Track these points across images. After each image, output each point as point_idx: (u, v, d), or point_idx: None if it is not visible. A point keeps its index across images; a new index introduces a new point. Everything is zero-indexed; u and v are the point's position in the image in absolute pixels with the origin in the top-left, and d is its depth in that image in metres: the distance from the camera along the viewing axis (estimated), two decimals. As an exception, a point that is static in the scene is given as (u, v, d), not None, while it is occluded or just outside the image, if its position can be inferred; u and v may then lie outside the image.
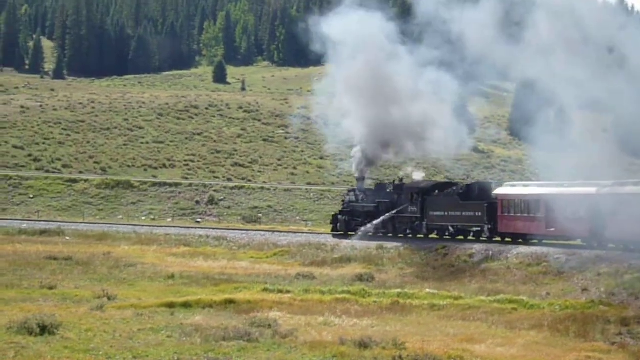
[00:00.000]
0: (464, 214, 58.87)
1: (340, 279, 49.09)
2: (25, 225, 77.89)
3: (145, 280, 46.16)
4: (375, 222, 65.10)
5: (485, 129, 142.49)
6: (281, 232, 73.86)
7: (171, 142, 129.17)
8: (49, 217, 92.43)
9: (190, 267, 54.27)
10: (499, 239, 56.59)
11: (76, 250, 60.98)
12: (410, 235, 63.10)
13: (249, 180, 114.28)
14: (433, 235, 61.92)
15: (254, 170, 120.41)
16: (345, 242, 63.44)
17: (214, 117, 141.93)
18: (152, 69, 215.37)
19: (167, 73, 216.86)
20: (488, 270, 50.79)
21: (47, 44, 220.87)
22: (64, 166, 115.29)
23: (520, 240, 55.03)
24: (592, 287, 43.51)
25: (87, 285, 43.35)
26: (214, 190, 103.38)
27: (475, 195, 59.31)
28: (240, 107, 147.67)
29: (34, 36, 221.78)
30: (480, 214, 57.49)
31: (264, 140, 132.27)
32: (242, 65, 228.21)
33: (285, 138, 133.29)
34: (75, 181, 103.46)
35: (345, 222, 67.74)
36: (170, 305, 37.42)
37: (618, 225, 46.98)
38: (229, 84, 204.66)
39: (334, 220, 69.84)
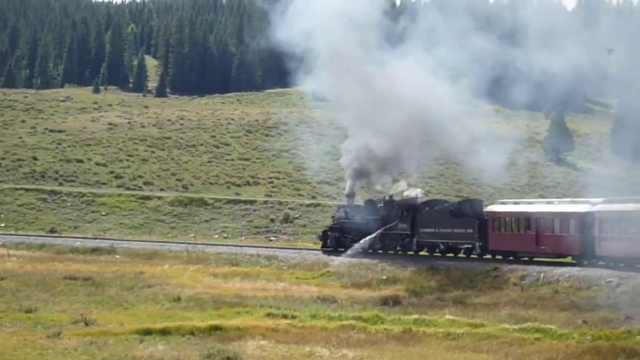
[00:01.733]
0: (454, 230, 58.38)
1: (365, 302, 44.76)
2: (78, 243, 75.62)
3: (147, 303, 42.60)
4: (367, 238, 63.33)
5: (585, 145, 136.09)
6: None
7: (257, 159, 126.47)
8: (119, 234, 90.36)
9: (217, 288, 50.63)
10: (489, 256, 56.34)
11: (110, 269, 58.14)
12: (400, 252, 62.48)
13: (334, 198, 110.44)
14: (423, 252, 61.28)
15: (339, 187, 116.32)
16: (383, 265, 59.08)
17: (303, 134, 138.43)
18: (255, 87, 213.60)
19: (269, 90, 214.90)
20: (533, 294, 46.09)
21: (151, 63, 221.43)
22: (145, 183, 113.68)
23: (511, 258, 54.79)
24: (638, 315, 38.30)
25: (77, 308, 39.94)
26: (290, 208, 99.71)
27: (466, 213, 58.85)
28: (332, 124, 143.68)
29: (138, 55, 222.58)
30: (471, 231, 57.10)
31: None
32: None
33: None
34: (148, 198, 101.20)
35: (336, 239, 66.84)
36: (146, 332, 33.73)
37: (609, 242, 47.06)
38: (330, 101, 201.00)
39: (324, 236, 68.71)
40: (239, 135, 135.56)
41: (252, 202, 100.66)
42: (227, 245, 74.56)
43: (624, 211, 46.87)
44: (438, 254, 59.47)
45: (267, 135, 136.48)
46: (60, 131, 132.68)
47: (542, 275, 48.92)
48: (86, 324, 35.10)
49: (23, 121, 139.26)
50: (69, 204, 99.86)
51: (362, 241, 63.61)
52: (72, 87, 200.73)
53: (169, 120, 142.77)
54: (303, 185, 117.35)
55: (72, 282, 49.25)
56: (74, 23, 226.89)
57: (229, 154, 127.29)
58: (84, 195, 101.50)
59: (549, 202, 55.80)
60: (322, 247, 68.41)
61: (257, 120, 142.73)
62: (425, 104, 63.94)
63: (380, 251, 63.66)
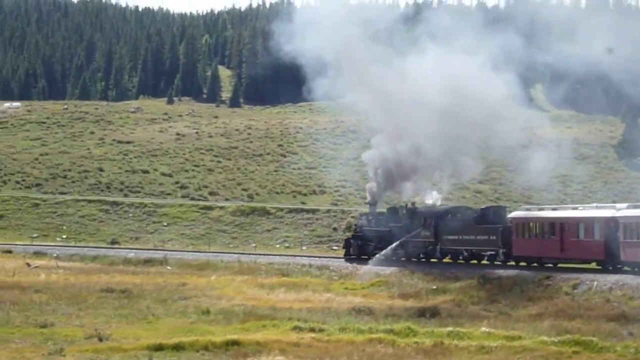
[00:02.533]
0: (478, 237, 58.66)
1: (403, 314, 42.65)
2: (132, 254, 74.78)
3: (175, 316, 41.04)
4: (390, 247, 63.40)
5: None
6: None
7: (324, 167, 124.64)
8: (180, 245, 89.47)
9: (257, 299, 49.19)
10: (513, 262, 56.34)
11: (154, 280, 57.10)
12: (423, 260, 62.65)
13: (401, 206, 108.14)
14: (447, 260, 61.34)
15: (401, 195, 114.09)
16: (435, 275, 56.96)
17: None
18: (328, 96, 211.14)
19: (342, 99, 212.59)
20: (583, 303, 43.64)
21: (225, 73, 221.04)
22: (211, 193, 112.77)
23: (535, 264, 54.82)
24: (690, 327, 35.72)
25: (98, 322, 38.55)
26: (353, 217, 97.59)
27: (490, 219, 59.19)
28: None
29: (212, 65, 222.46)
30: (494, 237, 57.27)
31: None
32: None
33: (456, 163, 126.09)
34: (210, 208, 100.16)
35: (358, 247, 67.15)
36: (158, 348, 32.13)
37: (635, 247, 46.70)
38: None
39: (347, 244, 69.07)
40: (306, 144, 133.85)
41: (315, 211, 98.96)
42: (281, 255, 72.91)
43: None
44: (461, 261, 59.88)
45: (335, 143, 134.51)
46: (128, 142, 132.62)
47: (595, 283, 46.42)
48: (100, 340, 33.70)
49: (92, 132, 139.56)
50: (130, 214, 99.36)
51: (386, 249, 63.20)
52: (146, 99, 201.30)
53: (236, 130, 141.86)
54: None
55: (107, 294, 48.11)
56: (149, 35, 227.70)
57: (296, 163, 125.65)
58: (145, 205, 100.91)
59: (574, 208, 56.13)
60: (345, 254, 68.64)
61: (325, 129, 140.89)
62: (460, 103, 61.98)
63: (403, 259, 63.45)
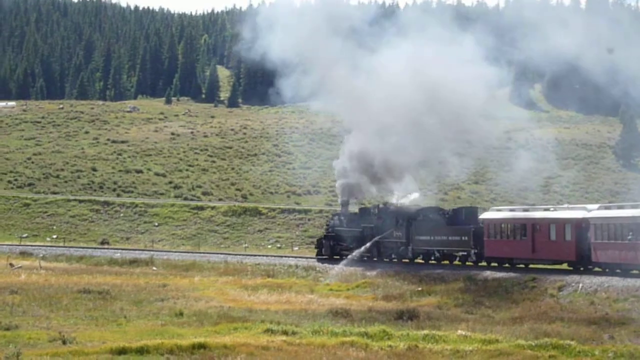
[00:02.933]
0: (450, 238, 58.41)
1: (381, 316, 41.67)
2: (118, 254, 73.87)
3: (148, 318, 40.02)
4: (363, 247, 63.30)
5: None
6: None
7: (319, 167, 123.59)
8: (171, 246, 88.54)
9: (236, 301, 48.26)
10: (485, 263, 56.25)
11: (136, 281, 56.15)
12: (395, 260, 62.21)
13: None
14: (418, 260, 60.98)
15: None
16: (422, 276, 55.99)
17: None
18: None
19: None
20: (567, 306, 42.73)
21: (224, 73, 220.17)
22: (204, 193, 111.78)
23: (507, 265, 54.85)
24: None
25: (67, 325, 37.55)
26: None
27: (462, 220, 58.98)
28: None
29: (211, 65, 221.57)
30: (466, 238, 57.00)
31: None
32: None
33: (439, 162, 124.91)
34: (201, 208, 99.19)
35: (330, 247, 66.86)
36: (121, 352, 31.17)
37: (605, 248, 46.99)
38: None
39: (319, 244, 68.70)
40: (301, 144, 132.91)
41: (307, 211, 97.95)
42: (269, 255, 71.92)
43: (620, 217, 46.85)
44: (433, 262, 59.58)
45: (330, 143, 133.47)
46: (122, 142, 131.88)
47: (580, 285, 45.48)
48: (63, 343, 32.70)
49: (87, 132, 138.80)
50: (121, 214, 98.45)
51: (358, 250, 63.28)
52: (145, 99, 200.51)
53: (232, 129, 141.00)
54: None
55: (84, 295, 47.11)
56: (147, 35, 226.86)
57: (291, 163, 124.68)
58: (137, 205, 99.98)
59: (545, 209, 55.97)
60: (317, 254, 68.41)
61: (321, 129, 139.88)
62: (437, 99, 61.15)
63: (375, 259, 63.20)
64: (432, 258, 59.89)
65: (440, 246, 59.16)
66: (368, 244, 63.18)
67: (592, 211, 49.91)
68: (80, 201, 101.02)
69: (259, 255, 72.06)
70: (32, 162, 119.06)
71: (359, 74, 65.13)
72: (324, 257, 66.99)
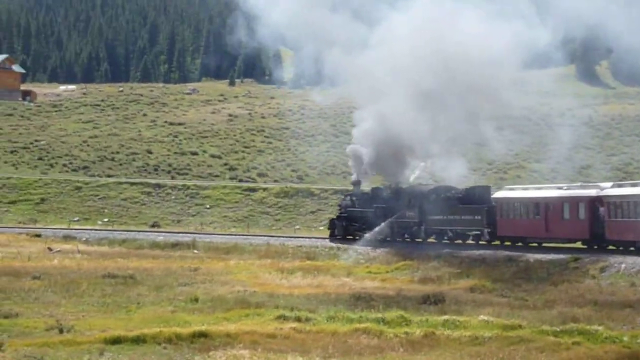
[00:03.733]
0: (463, 217, 57.80)
1: (406, 300, 39.63)
2: (161, 237, 72.72)
3: (161, 304, 38.42)
4: (378, 227, 62.01)
5: None
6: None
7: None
8: (222, 228, 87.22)
9: (265, 285, 46.44)
10: (498, 242, 55.81)
11: (169, 265, 54.79)
12: (408, 240, 61.50)
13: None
14: (431, 239, 60.28)
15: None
16: (463, 258, 53.85)
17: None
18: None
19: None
20: (607, 288, 40.34)
21: (287, 54, 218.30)
22: (259, 175, 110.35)
23: (520, 244, 54.44)
24: None
25: (74, 312, 36.12)
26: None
27: (474, 199, 58.06)
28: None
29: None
30: (479, 217, 56.44)
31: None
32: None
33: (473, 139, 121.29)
34: (253, 190, 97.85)
35: (343, 227, 66.09)
36: (115, 341, 29.61)
37: (619, 226, 46.81)
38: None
39: (331, 225, 67.83)
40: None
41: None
42: (312, 237, 70.09)
43: (634, 195, 46.31)
44: (446, 241, 58.79)
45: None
46: (179, 124, 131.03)
47: (622, 266, 42.92)
48: (60, 331, 31.22)
49: (145, 115, 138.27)
50: (173, 197, 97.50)
51: (374, 230, 62.07)
52: (208, 81, 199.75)
53: (290, 110, 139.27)
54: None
55: (107, 280, 45.75)
56: (211, 17, 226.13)
57: (349, 143, 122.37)
58: (188, 187, 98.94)
59: (559, 187, 54.81)
60: (330, 235, 67.42)
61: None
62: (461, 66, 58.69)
63: (388, 239, 62.02)
64: (445, 238, 59.05)
65: (453, 225, 58.43)
66: (384, 224, 61.91)
67: (606, 189, 49.55)
68: (132, 184, 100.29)
69: (303, 237, 70.21)
70: (88, 145, 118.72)
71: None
72: (337, 237, 66.11)
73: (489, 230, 55.70)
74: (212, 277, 49.46)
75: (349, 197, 68.05)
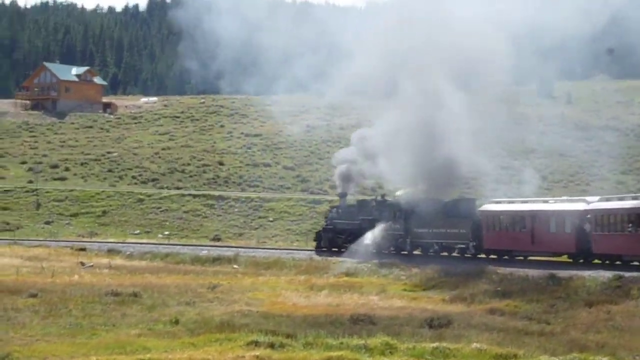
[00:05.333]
0: (448, 230, 57.55)
1: (408, 324, 35.41)
2: (205, 251, 69.71)
3: (138, 327, 34.70)
4: (368, 240, 62.22)
5: None
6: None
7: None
8: (285, 242, 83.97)
9: (280, 304, 42.76)
10: (484, 255, 55.77)
11: (194, 281, 51.53)
12: (393, 252, 61.03)
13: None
14: (417, 252, 60.31)
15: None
16: (504, 274, 49.43)
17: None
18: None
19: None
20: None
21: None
22: (332, 187, 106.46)
23: (506, 257, 54.39)
24: None
25: (35, 336, 32.78)
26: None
27: (460, 212, 57.70)
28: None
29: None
30: (464, 230, 56.45)
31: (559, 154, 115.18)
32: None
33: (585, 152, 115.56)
34: (318, 202, 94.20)
35: (329, 239, 66.25)
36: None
37: (605, 240, 47.19)
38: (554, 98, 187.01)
39: (318, 237, 68.01)
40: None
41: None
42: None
43: (620, 209, 46.89)
44: (432, 254, 58.46)
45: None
46: (255, 135, 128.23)
47: (668, 286, 38.05)
48: (-5, 358, 28.00)
49: (222, 126, 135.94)
50: (236, 210, 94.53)
51: (367, 241, 62.00)
52: (298, 92, 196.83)
53: (368, 120, 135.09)
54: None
55: (105, 299, 42.37)
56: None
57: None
58: (252, 200, 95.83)
59: (545, 201, 55.35)
60: (316, 247, 67.48)
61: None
62: None
63: (374, 251, 61.64)
64: (431, 251, 58.71)
65: (438, 238, 58.38)
66: (373, 236, 62.04)
67: (592, 203, 49.94)
68: (195, 196, 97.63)
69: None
70: (159, 157, 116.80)
71: None
72: (323, 249, 66.19)
73: (475, 243, 55.78)
74: (228, 295, 45.92)
75: (335, 209, 68.15)
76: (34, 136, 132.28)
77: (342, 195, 68.93)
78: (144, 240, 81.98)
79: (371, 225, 62.56)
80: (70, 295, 43.23)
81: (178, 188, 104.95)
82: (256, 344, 30.53)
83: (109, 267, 59.57)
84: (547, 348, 29.03)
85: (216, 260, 65.91)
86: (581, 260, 49.36)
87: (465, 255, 56.49)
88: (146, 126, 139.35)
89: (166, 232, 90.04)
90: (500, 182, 67.38)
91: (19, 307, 39.10)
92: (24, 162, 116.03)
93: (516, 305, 41.54)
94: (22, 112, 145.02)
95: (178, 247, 73.67)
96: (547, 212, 51.94)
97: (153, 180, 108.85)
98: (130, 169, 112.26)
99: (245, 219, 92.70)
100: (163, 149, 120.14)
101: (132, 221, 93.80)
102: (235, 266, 63.59)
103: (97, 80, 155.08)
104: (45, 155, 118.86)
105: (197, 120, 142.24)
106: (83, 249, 72.51)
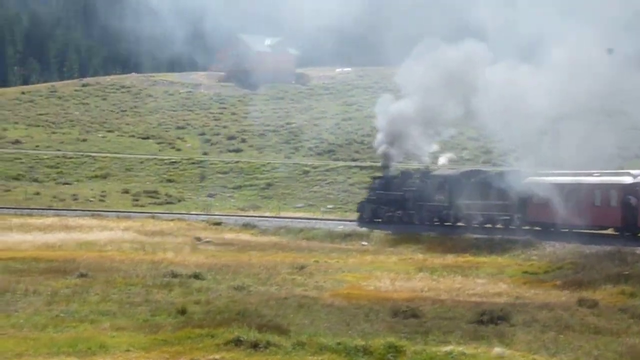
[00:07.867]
0: (493, 202, 56.77)
1: (464, 317, 28.85)
2: (341, 227, 64.98)
3: (135, 317, 29.43)
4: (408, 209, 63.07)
5: None
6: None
7: None
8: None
9: (357, 287, 37.01)
10: (527, 227, 54.44)
11: (280, 259, 46.36)
12: (437, 223, 60.97)
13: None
14: (460, 224, 59.53)
15: None
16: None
17: None
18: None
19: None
20: None
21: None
22: (517, 159, 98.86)
23: (552, 230, 52.64)
24: None
25: (15, 325, 28.21)
26: None
27: (505, 184, 55.60)
28: None
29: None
30: (509, 202, 55.51)
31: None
32: None
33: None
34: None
35: (372, 210, 65.92)
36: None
37: None
38: None
39: (360, 208, 67.98)
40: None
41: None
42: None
43: None
44: (476, 226, 57.58)
45: None
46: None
47: None
48: None
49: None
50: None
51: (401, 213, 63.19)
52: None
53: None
54: None
55: (159, 280, 37.71)
56: None
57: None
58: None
59: (590, 174, 52.08)
60: (359, 218, 67.07)
61: None
62: None
63: (417, 223, 61.82)
64: (475, 222, 57.77)
65: (483, 210, 57.37)
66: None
67: (638, 177, 48.46)
68: (361, 167, 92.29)
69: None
70: (339, 128, 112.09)
71: None
72: (366, 220, 65.75)
73: (519, 215, 54.88)
74: (310, 277, 40.41)
75: (378, 180, 67.82)
76: (224, 108, 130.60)
77: (386, 166, 68.72)
78: (300, 214, 77.17)
79: (415, 197, 62.44)
80: (125, 276, 38.82)
81: (354, 160, 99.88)
82: (237, 342, 24.96)
83: (211, 243, 55.33)
84: (595, 355, 22.02)
85: (347, 236, 60.66)
86: (627, 234, 48.02)
87: (510, 227, 55.27)
88: (338, 97, 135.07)
89: (330, 206, 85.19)
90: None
91: (39, 291, 34.47)
92: (202, 134, 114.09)
93: (632, 291, 34.22)
94: (214, 84, 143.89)
95: (313, 221, 68.60)
96: (592, 185, 50.41)
97: (329, 151, 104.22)
98: (308, 140, 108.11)
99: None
100: (344, 120, 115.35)
101: (296, 194, 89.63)
102: (364, 243, 58.36)
103: (291, 50, 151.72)
104: (225, 127, 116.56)
105: (390, 90, 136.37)
106: (218, 224, 68.63)
